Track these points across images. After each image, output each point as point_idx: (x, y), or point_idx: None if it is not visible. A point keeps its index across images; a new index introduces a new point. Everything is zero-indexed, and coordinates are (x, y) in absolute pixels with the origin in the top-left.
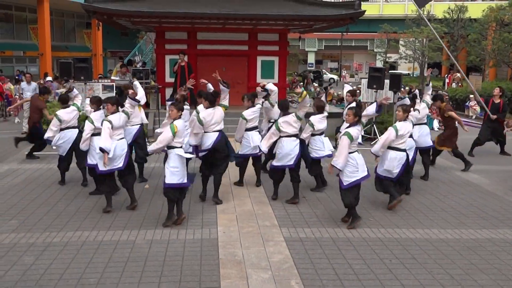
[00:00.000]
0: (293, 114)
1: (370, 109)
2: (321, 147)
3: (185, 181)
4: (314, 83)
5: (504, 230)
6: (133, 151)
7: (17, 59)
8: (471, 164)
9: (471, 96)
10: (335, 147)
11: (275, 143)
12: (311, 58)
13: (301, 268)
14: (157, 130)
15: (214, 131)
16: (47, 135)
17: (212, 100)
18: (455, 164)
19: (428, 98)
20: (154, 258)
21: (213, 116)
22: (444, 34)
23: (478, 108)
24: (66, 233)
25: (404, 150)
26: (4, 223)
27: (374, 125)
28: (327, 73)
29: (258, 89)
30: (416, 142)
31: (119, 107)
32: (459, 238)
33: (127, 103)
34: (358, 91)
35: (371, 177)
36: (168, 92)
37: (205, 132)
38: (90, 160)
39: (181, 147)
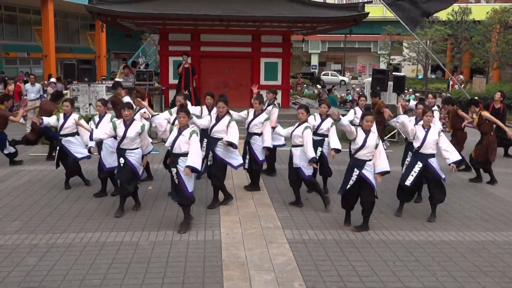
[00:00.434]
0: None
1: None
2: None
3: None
4: (317, 85)
5: (508, 233)
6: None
7: (21, 61)
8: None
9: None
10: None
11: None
12: (314, 60)
13: (304, 270)
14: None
15: None
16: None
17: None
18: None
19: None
20: (157, 259)
21: None
22: (448, 36)
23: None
24: (69, 234)
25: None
26: (8, 224)
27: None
28: (338, 75)
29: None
30: None
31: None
32: (463, 240)
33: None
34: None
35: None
36: (172, 94)
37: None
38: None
39: None
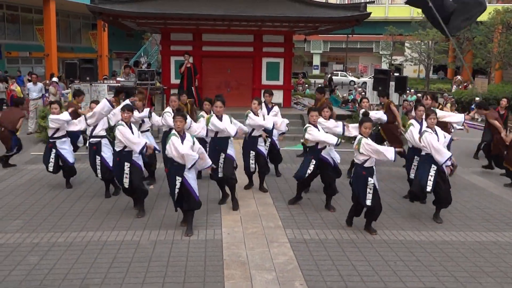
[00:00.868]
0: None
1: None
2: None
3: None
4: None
5: (509, 233)
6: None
7: (23, 60)
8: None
9: (477, 98)
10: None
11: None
12: (316, 60)
13: (305, 270)
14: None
15: None
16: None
17: None
18: (460, 166)
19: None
20: (158, 258)
21: None
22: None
23: None
24: (70, 233)
25: None
26: (9, 223)
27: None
28: (347, 75)
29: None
30: None
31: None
32: (464, 240)
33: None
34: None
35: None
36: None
37: None
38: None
39: None
